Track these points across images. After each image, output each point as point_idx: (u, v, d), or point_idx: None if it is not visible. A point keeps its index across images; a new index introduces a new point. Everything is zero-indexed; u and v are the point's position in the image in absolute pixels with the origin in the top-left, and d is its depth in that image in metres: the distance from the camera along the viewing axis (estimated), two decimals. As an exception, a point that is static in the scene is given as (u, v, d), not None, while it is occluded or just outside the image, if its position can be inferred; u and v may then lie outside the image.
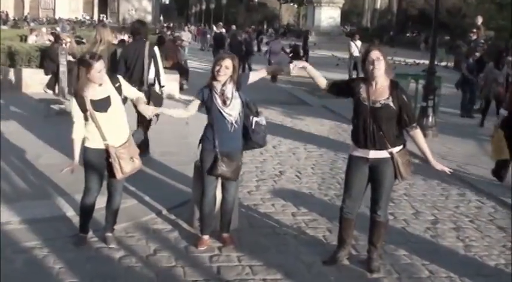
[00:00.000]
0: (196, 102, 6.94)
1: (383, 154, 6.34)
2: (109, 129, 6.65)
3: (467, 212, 8.85)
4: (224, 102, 6.74)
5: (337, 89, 6.71)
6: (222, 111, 6.74)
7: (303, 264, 6.76)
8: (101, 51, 10.25)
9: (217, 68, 6.69)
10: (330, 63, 34.49)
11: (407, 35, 66.63)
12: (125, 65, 10.38)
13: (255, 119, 6.99)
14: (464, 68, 18.58)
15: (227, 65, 6.68)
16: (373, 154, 6.36)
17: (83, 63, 6.54)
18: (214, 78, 6.76)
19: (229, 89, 6.76)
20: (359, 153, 6.46)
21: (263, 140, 7.20)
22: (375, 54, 6.19)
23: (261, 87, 19.99)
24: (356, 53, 25.86)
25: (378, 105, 6.22)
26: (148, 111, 7.16)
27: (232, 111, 6.76)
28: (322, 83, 6.75)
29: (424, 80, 14.79)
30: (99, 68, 6.48)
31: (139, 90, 8.76)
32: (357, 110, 6.39)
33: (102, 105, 6.62)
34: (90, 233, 7.19)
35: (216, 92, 6.76)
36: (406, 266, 6.85)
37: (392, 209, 8.72)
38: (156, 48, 10.76)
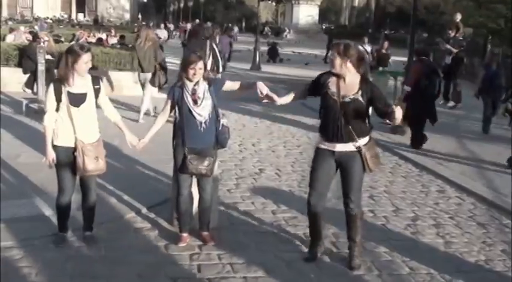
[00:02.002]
0: (169, 102, 6.97)
1: (349, 147, 6.39)
2: (79, 125, 6.62)
3: (447, 209, 8.89)
4: (195, 102, 6.76)
5: (312, 89, 6.72)
6: (192, 110, 6.76)
7: (283, 262, 6.75)
8: (148, 47, 14.25)
9: (191, 72, 6.72)
10: (308, 61, 34.66)
11: (386, 32, 66.85)
12: None
13: (222, 120, 7.03)
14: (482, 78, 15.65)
15: (200, 67, 6.75)
16: (340, 147, 6.41)
17: (71, 53, 6.57)
18: (187, 78, 6.77)
19: (201, 88, 6.79)
20: (325, 146, 6.52)
21: (226, 142, 7.25)
22: (332, 54, 6.40)
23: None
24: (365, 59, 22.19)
25: (347, 99, 6.31)
26: (133, 141, 7.12)
27: (203, 111, 6.78)
28: (292, 96, 6.92)
29: (403, 77, 14.84)
30: (86, 59, 6.52)
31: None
32: (326, 104, 6.47)
33: (77, 99, 6.60)
34: (70, 232, 7.14)
35: (187, 91, 6.78)
36: (386, 262, 6.86)
37: (372, 206, 8.75)
38: (214, 45, 13.58)
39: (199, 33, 13.79)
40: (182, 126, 6.84)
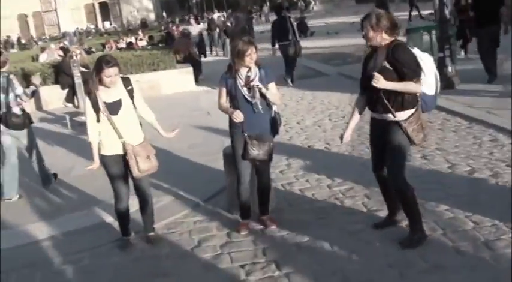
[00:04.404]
0: (224, 91, 6.92)
1: (389, 117, 6.09)
2: (123, 130, 6.67)
3: (503, 157, 8.74)
4: (249, 88, 6.75)
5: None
6: (247, 96, 6.74)
7: (346, 234, 6.74)
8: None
9: (247, 59, 6.67)
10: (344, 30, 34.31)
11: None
12: (277, 32, 18.38)
13: (274, 107, 7.00)
14: None
15: (254, 51, 6.72)
16: (380, 116, 6.18)
17: (96, 65, 6.59)
18: (243, 65, 6.74)
19: (254, 74, 6.76)
20: (373, 114, 6.33)
21: (279, 128, 7.20)
22: (365, 27, 6.05)
23: (275, 64, 20.12)
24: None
25: (376, 70, 6.01)
26: (169, 134, 7.15)
27: (256, 95, 6.74)
28: (357, 115, 6.60)
29: (438, 30, 14.61)
30: (108, 73, 6.48)
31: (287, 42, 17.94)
32: (362, 77, 6.27)
33: (114, 108, 6.64)
34: (133, 235, 7.24)
35: (241, 78, 6.76)
36: (449, 220, 6.78)
37: (426, 165, 8.68)
38: (292, 19, 18.96)
39: (281, 13, 18.59)
40: None
